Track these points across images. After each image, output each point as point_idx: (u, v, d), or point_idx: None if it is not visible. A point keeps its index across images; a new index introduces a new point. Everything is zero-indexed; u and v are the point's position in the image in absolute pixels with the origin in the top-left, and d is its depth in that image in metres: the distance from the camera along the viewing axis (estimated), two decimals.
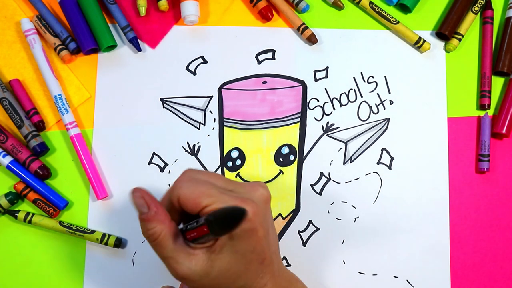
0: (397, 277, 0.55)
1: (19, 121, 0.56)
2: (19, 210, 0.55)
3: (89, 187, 0.56)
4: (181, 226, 0.43)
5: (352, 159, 0.57)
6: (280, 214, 0.56)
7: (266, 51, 0.60)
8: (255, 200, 0.40)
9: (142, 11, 0.59)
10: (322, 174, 0.57)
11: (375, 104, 0.59)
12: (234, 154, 0.57)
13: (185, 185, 0.40)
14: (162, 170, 0.57)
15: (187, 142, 0.58)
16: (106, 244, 0.54)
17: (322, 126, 0.58)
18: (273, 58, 0.60)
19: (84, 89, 0.58)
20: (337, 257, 0.55)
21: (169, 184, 0.56)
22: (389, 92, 0.59)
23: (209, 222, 0.37)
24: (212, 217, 0.36)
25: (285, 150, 0.57)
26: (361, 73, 0.59)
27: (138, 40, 0.59)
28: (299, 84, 0.59)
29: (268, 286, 0.42)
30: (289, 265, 0.55)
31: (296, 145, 0.58)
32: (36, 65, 0.58)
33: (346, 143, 0.58)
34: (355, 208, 0.56)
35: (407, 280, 0.55)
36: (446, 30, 0.59)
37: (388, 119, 0.58)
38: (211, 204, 0.39)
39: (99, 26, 0.58)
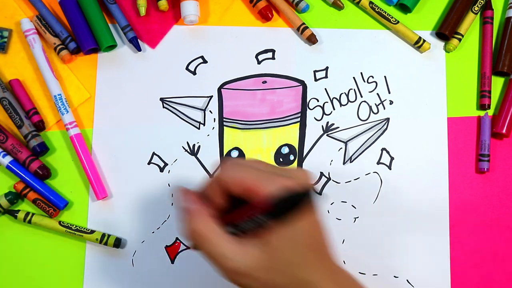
0: (397, 277, 0.55)
1: (19, 121, 0.56)
2: (19, 210, 0.55)
3: (89, 187, 0.56)
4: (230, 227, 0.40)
5: (352, 159, 0.57)
6: None
7: (266, 51, 0.60)
8: (305, 183, 0.38)
9: (142, 11, 0.59)
10: (322, 174, 0.57)
11: (375, 104, 0.59)
12: (234, 154, 0.57)
13: (230, 168, 0.39)
14: (162, 170, 0.57)
15: (187, 142, 0.58)
16: (105, 244, 0.54)
17: (322, 126, 0.58)
18: (273, 58, 0.60)
19: (84, 89, 0.58)
20: (337, 257, 0.55)
21: (168, 184, 0.56)
22: (389, 92, 0.59)
23: (274, 205, 0.34)
24: (277, 200, 0.34)
25: (285, 150, 0.57)
26: (361, 73, 0.59)
27: (138, 40, 0.59)
28: (299, 84, 0.59)
29: (327, 282, 0.38)
30: None
31: (296, 145, 0.58)
32: (36, 65, 0.58)
33: (346, 143, 0.58)
34: (355, 208, 0.56)
35: (407, 280, 0.55)
36: (446, 30, 0.59)
37: (388, 119, 0.58)
38: (267, 187, 0.36)
39: (99, 26, 0.58)
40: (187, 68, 0.59)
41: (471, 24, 0.60)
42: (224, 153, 0.57)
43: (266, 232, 0.37)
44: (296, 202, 0.33)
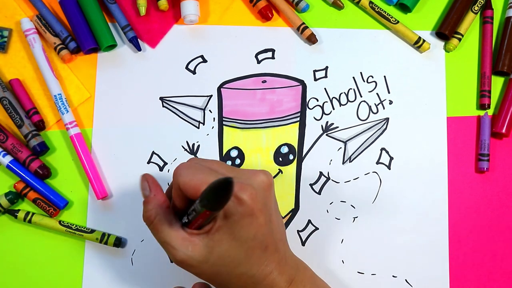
0: (396, 276, 0.55)
1: (19, 121, 0.56)
2: (19, 210, 0.55)
3: (89, 187, 0.56)
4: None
5: (352, 159, 0.57)
6: None
7: (265, 51, 0.60)
8: (255, 186, 0.40)
9: (142, 10, 0.59)
10: (321, 173, 0.57)
11: (375, 103, 0.59)
12: (234, 153, 0.57)
13: (185, 172, 0.40)
14: (161, 169, 0.57)
15: (187, 141, 0.58)
16: (106, 243, 0.54)
17: (322, 126, 0.58)
18: (273, 57, 0.60)
19: (84, 88, 0.58)
20: (336, 257, 0.56)
21: (168, 183, 0.56)
22: (389, 92, 0.59)
23: (201, 196, 0.36)
24: (204, 191, 0.36)
25: (285, 149, 0.57)
26: (361, 72, 0.59)
27: (138, 39, 0.59)
28: (299, 84, 0.59)
29: (273, 274, 0.41)
30: None
31: (295, 144, 0.58)
32: (36, 65, 0.58)
33: (345, 142, 0.58)
34: (354, 207, 0.56)
35: (406, 280, 0.55)
36: (446, 30, 0.59)
37: (387, 119, 0.58)
38: None
39: (99, 25, 0.58)
40: (186, 68, 0.59)
41: (471, 24, 0.60)
42: (224, 153, 0.57)
43: (210, 227, 0.40)
44: (219, 190, 0.34)
